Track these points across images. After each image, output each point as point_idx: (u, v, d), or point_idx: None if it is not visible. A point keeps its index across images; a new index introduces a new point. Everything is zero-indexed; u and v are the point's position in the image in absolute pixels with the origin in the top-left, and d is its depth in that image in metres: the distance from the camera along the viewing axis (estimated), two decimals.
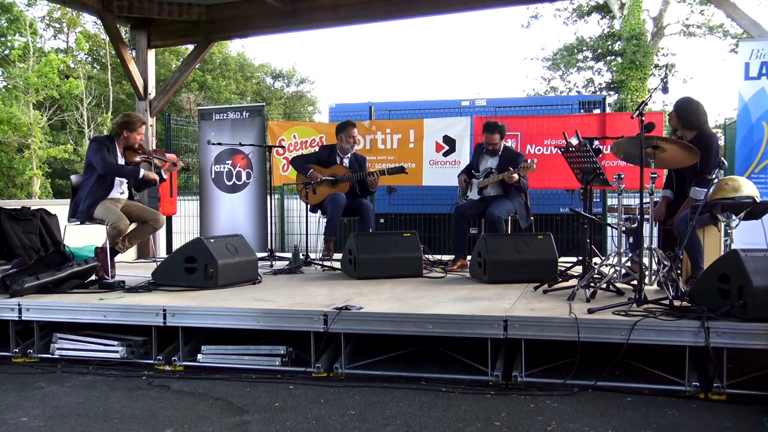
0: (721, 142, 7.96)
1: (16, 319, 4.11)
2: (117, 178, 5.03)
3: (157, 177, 5.16)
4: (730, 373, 3.20)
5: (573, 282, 4.36)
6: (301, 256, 5.85)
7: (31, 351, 4.11)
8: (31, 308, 4.10)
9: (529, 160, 5.53)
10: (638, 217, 4.05)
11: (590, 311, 3.55)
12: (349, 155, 6.23)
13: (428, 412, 3.04)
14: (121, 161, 5.08)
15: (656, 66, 20.07)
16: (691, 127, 4.48)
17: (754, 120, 5.83)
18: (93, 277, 4.78)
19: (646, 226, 3.98)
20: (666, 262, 3.94)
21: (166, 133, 8.66)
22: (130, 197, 5.25)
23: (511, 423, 2.89)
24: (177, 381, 3.63)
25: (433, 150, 7.42)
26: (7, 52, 20.11)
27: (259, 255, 5.67)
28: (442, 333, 3.59)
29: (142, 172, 5.02)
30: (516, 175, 5.44)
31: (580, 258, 4.61)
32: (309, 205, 6.09)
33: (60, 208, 6.09)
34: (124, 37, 7.96)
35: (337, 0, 7.04)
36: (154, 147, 5.86)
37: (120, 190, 5.09)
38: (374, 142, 7.60)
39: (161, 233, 7.74)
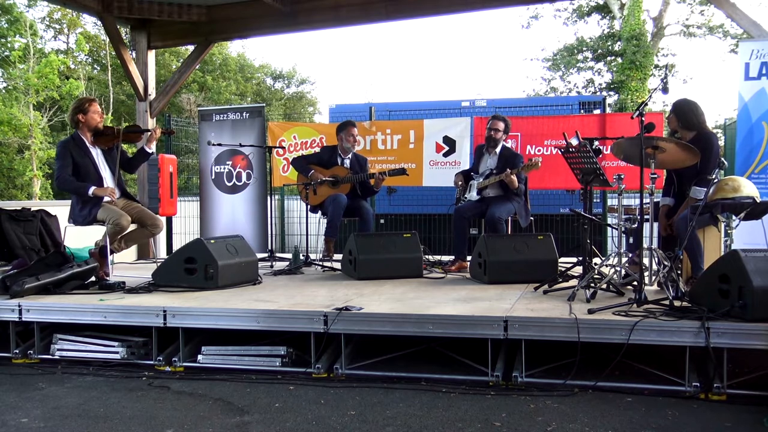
0: (721, 143, 7.97)
1: (17, 320, 4.12)
2: (102, 177, 4.98)
3: (115, 193, 4.95)
4: (730, 373, 3.21)
5: (573, 282, 4.36)
6: (302, 257, 5.85)
7: (32, 352, 4.11)
8: (32, 309, 4.10)
9: (533, 159, 5.47)
10: (638, 217, 4.05)
11: (590, 312, 3.55)
12: (350, 156, 6.23)
13: (428, 413, 3.04)
14: (96, 152, 5.03)
15: (656, 66, 20.09)
16: (691, 127, 4.48)
17: (754, 120, 5.83)
18: (93, 278, 4.78)
19: (646, 227, 3.98)
20: (666, 263, 3.94)
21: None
22: (130, 197, 5.25)
23: (511, 423, 2.89)
24: (177, 382, 3.63)
25: (433, 150, 7.43)
26: (7, 53, 20.12)
27: (260, 256, 5.68)
28: (442, 333, 3.59)
29: (91, 190, 4.84)
30: (515, 180, 5.42)
31: (581, 258, 4.62)
32: (309, 206, 6.09)
33: (60, 209, 6.08)
34: (124, 38, 7.96)
35: (338, 1, 7.06)
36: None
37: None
38: (374, 143, 7.61)
39: (161, 234, 7.72)
